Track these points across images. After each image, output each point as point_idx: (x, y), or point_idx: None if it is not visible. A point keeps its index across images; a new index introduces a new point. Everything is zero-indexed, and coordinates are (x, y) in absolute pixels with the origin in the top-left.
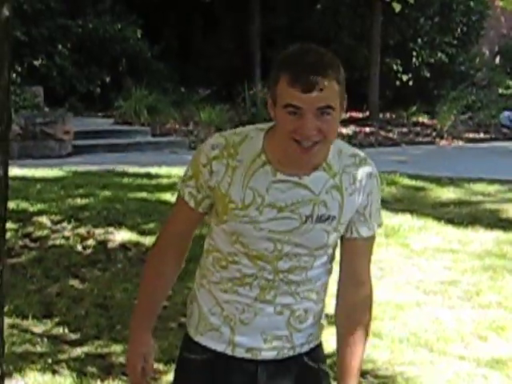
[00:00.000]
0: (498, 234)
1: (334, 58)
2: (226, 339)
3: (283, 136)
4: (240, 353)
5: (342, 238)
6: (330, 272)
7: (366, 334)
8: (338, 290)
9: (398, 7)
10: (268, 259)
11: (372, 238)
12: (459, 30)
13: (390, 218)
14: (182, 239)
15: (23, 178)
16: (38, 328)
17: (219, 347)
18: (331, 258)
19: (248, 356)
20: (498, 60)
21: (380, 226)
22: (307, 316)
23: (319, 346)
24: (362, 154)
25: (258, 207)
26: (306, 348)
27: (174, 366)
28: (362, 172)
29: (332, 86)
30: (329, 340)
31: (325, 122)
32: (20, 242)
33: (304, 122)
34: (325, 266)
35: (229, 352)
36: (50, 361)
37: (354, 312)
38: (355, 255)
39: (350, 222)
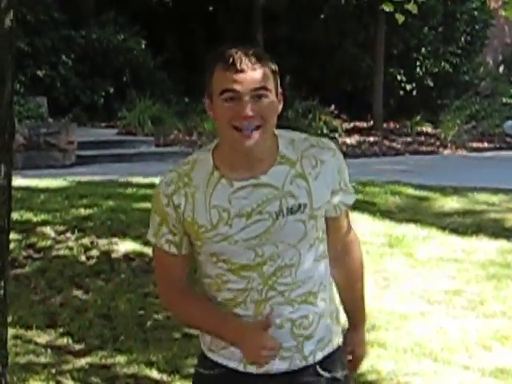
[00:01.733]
0: (502, 244)
1: (268, 55)
2: (238, 357)
3: (224, 128)
4: (252, 369)
5: (329, 219)
6: (325, 266)
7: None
8: (332, 260)
9: (401, 19)
10: (252, 268)
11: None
12: (463, 39)
13: (394, 228)
14: (179, 283)
15: (27, 189)
16: (42, 338)
17: (232, 364)
18: (322, 250)
19: (260, 371)
20: (501, 69)
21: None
22: (310, 321)
23: (335, 352)
24: (314, 137)
25: (227, 222)
26: (319, 356)
27: (178, 377)
28: (322, 152)
29: (266, 69)
30: None
31: (263, 105)
32: (24, 253)
33: (241, 105)
34: (315, 261)
35: (241, 369)
36: (53, 371)
37: (351, 273)
38: (342, 226)
39: (333, 202)
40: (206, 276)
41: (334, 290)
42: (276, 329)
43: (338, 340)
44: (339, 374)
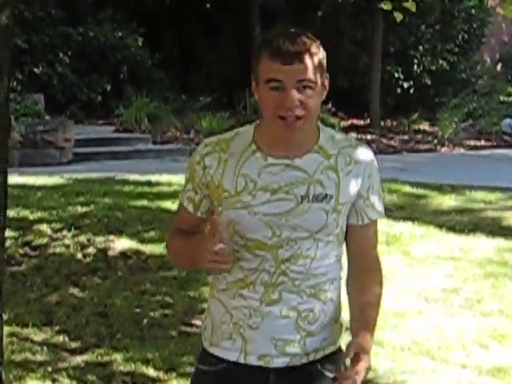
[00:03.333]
0: (499, 242)
1: (315, 38)
2: (239, 347)
3: (268, 115)
4: (252, 360)
5: (350, 227)
6: (338, 270)
7: (380, 289)
8: (349, 273)
9: (399, 17)
10: (267, 247)
11: (377, 222)
12: (460, 37)
13: (391, 226)
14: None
15: (23, 186)
16: (38, 336)
17: (232, 356)
18: (338, 254)
19: (260, 364)
20: (499, 67)
21: (383, 212)
22: (316, 317)
23: (336, 352)
24: (357, 141)
25: (251, 192)
26: (320, 354)
27: (174, 375)
28: (359, 154)
29: (312, 60)
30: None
31: (307, 96)
32: (20, 250)
33: (286, 95)
34: (330, 259)
35: (241, 360)
36: (49, 369)
37: (367, 288)
38: (364, 241)
39: (357, 208)
40: None
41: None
42: (281, 318)
43: (339, 342)
44: None
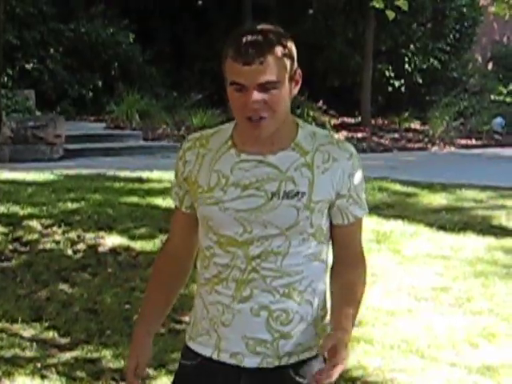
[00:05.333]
0: (489, 241)
1: (282, 33)
2: (213, 343)
3: (236, 114)
4: (225, 357)
5: (335, 227)
6: (318, 271)
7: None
8: (332, 270)
9: (391, 15)
10: (238, 244)
11: (361, 219)
12: (452, 36)
13: (381, 224)
14: (183, 241)
15: (14, 182)
16: (27, 332)
17: (207, 352)
18: (317, 253)
19: (232, 362)
20: (490, 66)
21: (367, 208)
22: (290, 318)
23: (313, 358)
24: (338, 138)
25: (223, 187)
26: (294, 359)
27: (164, 371)
28: (339, 151)
29: (276, 58)
30: None
31: (271, 95)
32: (10, 246)
33: (248, 97)
34: (306, 258)
35: (215, 356)
36: (39, 365)
37: (351, 284)
38: (350, 239)
39: (341, 208)
40: (201, 249)
41: (328, 302)
42: (252, 316)
43: (315, 348)
44: None
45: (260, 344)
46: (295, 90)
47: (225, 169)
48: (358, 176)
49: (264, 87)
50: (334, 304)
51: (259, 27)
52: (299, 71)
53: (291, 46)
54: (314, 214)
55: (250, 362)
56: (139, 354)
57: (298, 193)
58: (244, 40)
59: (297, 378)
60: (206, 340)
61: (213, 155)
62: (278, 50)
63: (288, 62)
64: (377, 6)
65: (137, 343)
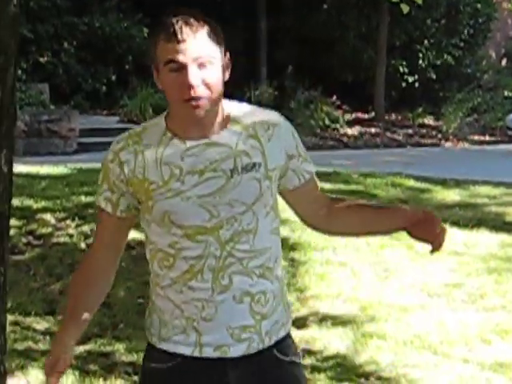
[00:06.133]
0: (502, 237)
1: (210, 20)
2: (193, 341)
3: (174, 100)
4: (208, 352)
5: (294, 191)
6: (279, 245)
7: None
8: (331, 223)
9: (406, 8)
10: (208, 231)
11: (314, 173)
12: (466, 32)
13: None
14: (109, 251)
15: (28, 175)
16: (41, 325)
17: (187, 350)
18: (277, 227)
19: (217, 355)
20: (504, 62)
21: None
22: (267, 298)
23: (289, 336)
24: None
25: (179, 178)
26: (274, 339)
27: None
28: (273, 117)
29: (209, 36)
30: (332, 341)
31: (208, 73)
32: (24, 240)
33: (186, 75)
34: (272, 233)
35: (197, 354)
36: None
37: (353, 202)
38: (314, 195)
39: (295, 169)
40: (158, 250)
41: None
42: (236, 304)
43: (289, 326)
44: (297, 359)
45: (245, 330)
46: (227, 75)
47: (174, 159)
48: (296, 134)
49: (200, 63)
50: (370, 215)
51: (185, 10)
52: (228, 55)
53: (221, 32)
54: (273, 183)
55: (236, 350)
56: (62, 351)
57: (254, 164)
58: (175, 21)
59: (280, 356)
60: (183, 339)
61: (154, 150)
62: (210, 27)
63: (220, 41)
64: None
65: (61, 343)
